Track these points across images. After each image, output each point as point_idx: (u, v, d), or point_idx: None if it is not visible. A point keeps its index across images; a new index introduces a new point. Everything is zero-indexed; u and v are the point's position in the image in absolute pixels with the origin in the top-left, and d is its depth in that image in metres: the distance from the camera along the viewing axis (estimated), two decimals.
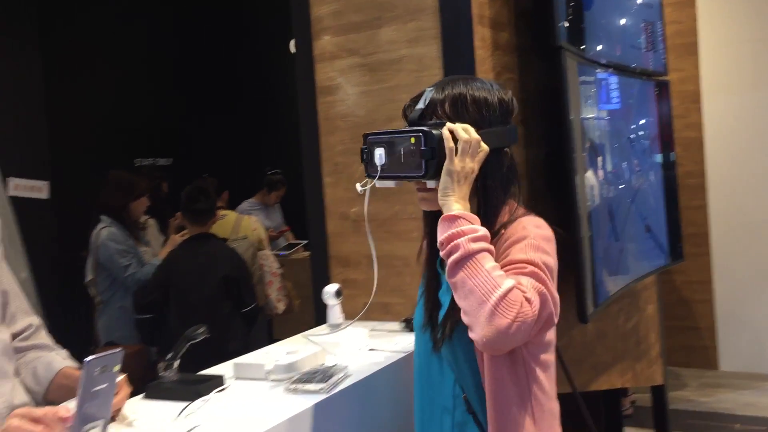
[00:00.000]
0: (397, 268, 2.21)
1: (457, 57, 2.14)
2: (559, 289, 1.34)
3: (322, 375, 1.57)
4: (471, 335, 1.24)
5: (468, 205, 1.33)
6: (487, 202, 1.39)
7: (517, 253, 1.31)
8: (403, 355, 1.81)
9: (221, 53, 7.16)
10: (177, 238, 3.81)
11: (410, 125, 1.38)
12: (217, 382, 1.57)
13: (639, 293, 2.95)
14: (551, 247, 1.36)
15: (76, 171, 5.47)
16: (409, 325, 2.04)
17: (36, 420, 1.21)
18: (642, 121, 2.98)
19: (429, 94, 1.39)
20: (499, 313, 1.19)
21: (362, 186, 1.41)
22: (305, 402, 1.47)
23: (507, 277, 1.25)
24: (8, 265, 1.62)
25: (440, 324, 1.40)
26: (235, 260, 3.40)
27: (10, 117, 5.02)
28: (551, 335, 1.40)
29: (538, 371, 1.36)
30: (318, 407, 1.47)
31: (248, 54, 7.29)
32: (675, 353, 4.47)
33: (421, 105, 1.38)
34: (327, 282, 2.21)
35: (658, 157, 3.13)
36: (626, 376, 2.90)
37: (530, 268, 1.29)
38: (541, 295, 1.26)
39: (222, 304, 3.20)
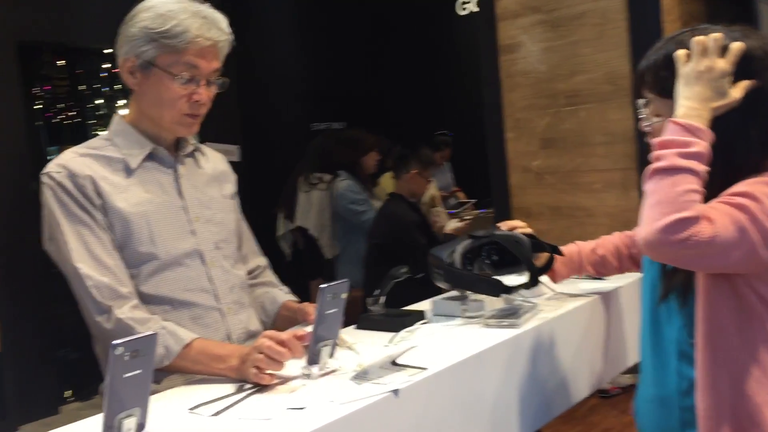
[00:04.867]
0: (580, 218, 2.27)
1: (642, 6, 2.12)
2: None
3: (513, 313, 1.70)
4: (636, 235, 1.18)
5: (703, 109, 1.19)
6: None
7: (740, 186, 1.18)
8: (586, 300, 1.89)
9: (389, 16, 7.35)
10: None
11: None
12: (419, 315, 1.75)
13: None
14: None
15: (263, 135, 5.97)
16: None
17: (281, 342, 1.36)
18: None
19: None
20: (670, 230, 1.11)
21: None
22: (499, 335, 1.60)
23: (699, 204, 1.14)
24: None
25: (669, 275, 1.32)
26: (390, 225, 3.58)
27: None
28: None
29: None
30: (511, 341, 1.61)
31: (416, 15, 7.42)
32: None
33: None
34: None
35: None
36: None
37: (740, 199, 1.15)
38: (735, 222, 1.12)
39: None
